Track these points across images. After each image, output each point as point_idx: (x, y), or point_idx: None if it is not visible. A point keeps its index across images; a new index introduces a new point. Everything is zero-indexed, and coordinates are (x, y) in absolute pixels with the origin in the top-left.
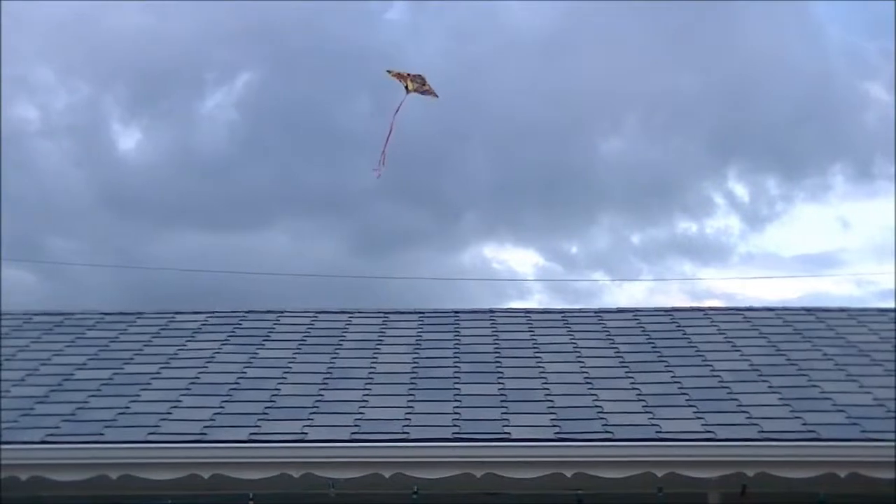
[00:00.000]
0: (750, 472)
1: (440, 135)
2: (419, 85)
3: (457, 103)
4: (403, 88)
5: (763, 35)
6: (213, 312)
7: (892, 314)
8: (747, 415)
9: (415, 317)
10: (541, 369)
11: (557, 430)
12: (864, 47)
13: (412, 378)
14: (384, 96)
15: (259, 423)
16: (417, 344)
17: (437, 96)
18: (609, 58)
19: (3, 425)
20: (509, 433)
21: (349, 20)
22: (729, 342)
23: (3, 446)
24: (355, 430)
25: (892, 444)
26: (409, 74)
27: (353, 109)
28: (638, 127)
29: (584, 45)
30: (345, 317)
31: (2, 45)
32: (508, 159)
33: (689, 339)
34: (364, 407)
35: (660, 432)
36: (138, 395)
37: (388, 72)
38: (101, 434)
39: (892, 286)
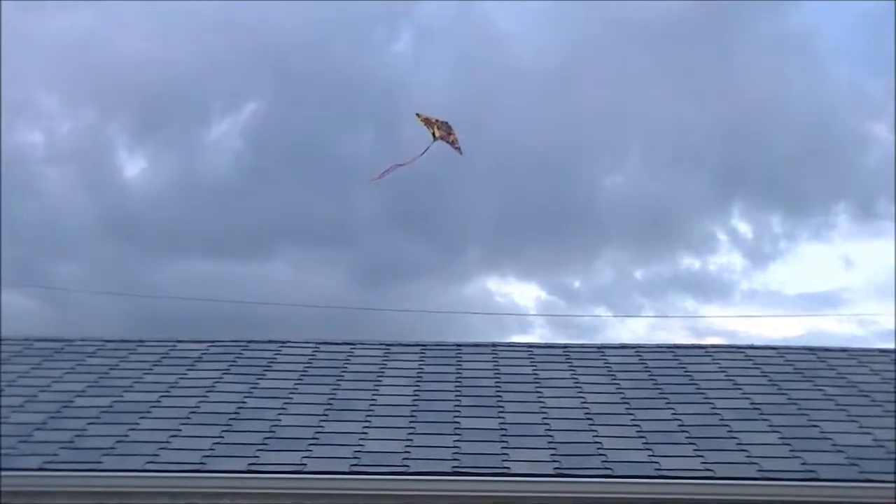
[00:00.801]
0: None
1: (443, 166)
2: (445, 133)
3: (461, 135)
4: (430, 134)
5: (767, 72)
6: (215, 341)
7: (893, 355)
8: (747, 453)
9: (417, 349)
10: (542, 404)
11: (557, 465)
12: (867, 85)
13: (413, 411)
14: (388, 127)
15: (258, 453)
16: (419, 377)
17: (461, 152)
18: (613, 92)
19: (2, 451)
20: (509, 468)
21: (355, 51)
22: (730, 380)
23: (1, 473)
24: (355, 462)
25: (892, 485)
26: (437, 121)
27: (357, 139)
28: (641, 162)
29: (588, 78)
30: (347, 348)
31: (2, 62)
32: (512, 192)
33: (690, 376)
34: (364, 439)
35: (659, 469)
36: (137, 424)
37: (417, 115)
38: (100, 462)
39: (894, 327)
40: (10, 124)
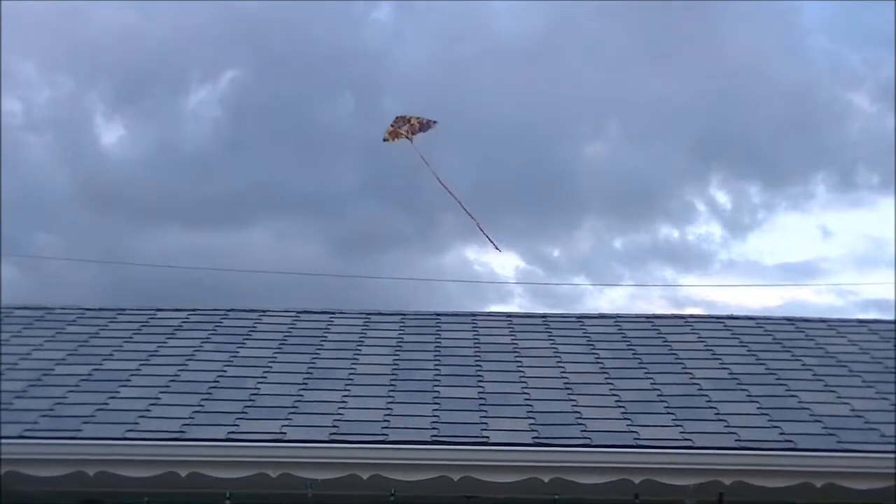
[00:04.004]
0: (727, 481)
1: (422, 136)
2: (409, 126)
3: (440, 105)
4: (408, 141)
5: (747, 42)
6: (195, 310)
7: (872, 325)
8: (725, 423)
9: (396, 318)
10: (521, 374)
11: (536, 434)
12: (848, 56)
13: (392, 380)
14: (367, 97)
15: (238, 422)
16: (398, 346)
17: (435, 122)
18: (593, 63)
19: None
20: (488, 437)
21: (334, 21)
22: (709, 350)
23: None
24: (334, 430)
25: (868, 454)
26: (394, 127)
27: (336, 110)
28: (621, 132)
29: (567, 50)
30: (326, 317)
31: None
32: (491, 162)
33: (669, 346)
34: (343, 408)
35: (638, 439)
36: (117, 392)
37: (385, 140)
38: (80, 430)
39: (873, 297)
40: None
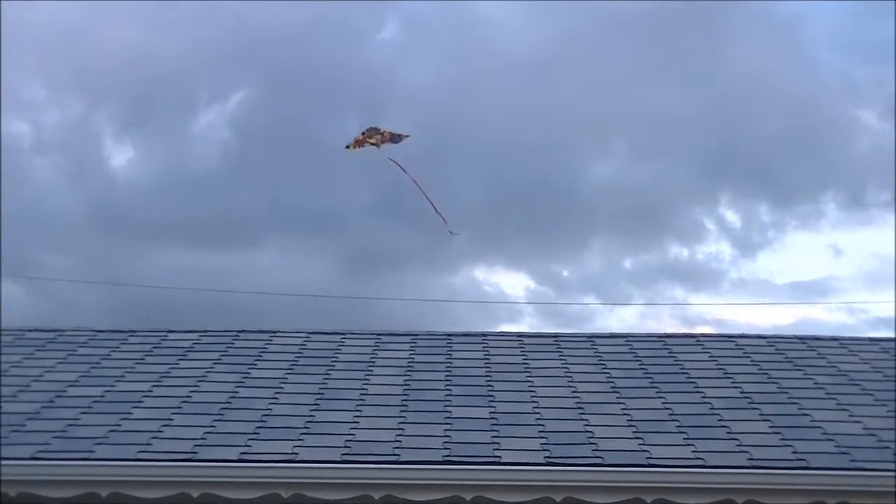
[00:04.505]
0: (739, 500)
1: (429, 155)
2: (380, 136)
3: (446, 123)
4: (374, 148)
5: (755, 59)
6: (206, 331)
7: (883, 343)
8: (737, 442)
9: (407, 339)
10: (532, 393)
11: (548, 454)
12: (855, 72)
13: (403, 400)
14: (374, 115)
15: (250, 442)
16: (409, 366)
17: (408, 135)
18: (599, 80)
19: None
20: (499, 457)
21: (341, 40)
22: (720, 369)
23: None
24: (346, 451)
25: (883, 473)
26: (363, 136)
27: (344, 129)
28: (628, 150)
29: (573, 67)
30: (337, 338)
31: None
32: (498, 181)
33: (680, 365)
34: (355, 428)
35: (650, 458)
36: (130, 413)
37: (347, 147)
38: (92, 451)
39: (884, 315)
40: None
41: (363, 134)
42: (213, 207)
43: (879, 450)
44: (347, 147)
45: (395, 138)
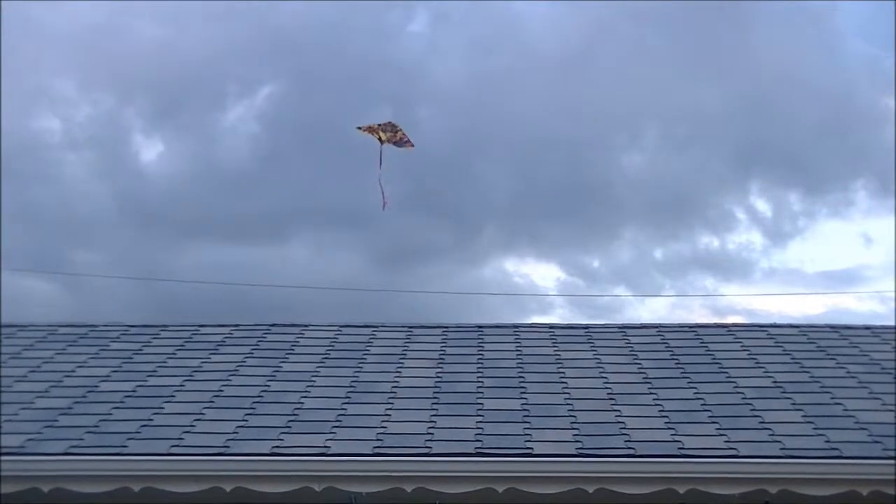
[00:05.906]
0: (772, 490)
1: (460, 147)
2: (391, 135)
3: (477, 115)
4: (377, 140)
5: (785, 49)
6: (237, 326)
7: None
8: (770, 432)
9: (439, 331)
10: (564, 384)
11: (580, 445)
12: (884, 61)
13: (435, 392)
14: (404, 109)
15: (282, 436)
16: (441, 358)
17: (412, 146)
18: (630, 71)
19: (27, 437)
20: (532, 448)
21: (371, 33)
22: (752, 359)
23: (27, 457)
24: (378, 444)
25: None
26: (378, 126)
27: (373, 122)
28: (659, 141)
29: (604, 58)
30: (369, 331)
31: (17, 49)
32: (529, 172)
33: (712, 355)
34: (387, 421)
35: (682, 449)
36: (162, 408)
37: (359, 128)
38: (125, 446)
39: None
40: (28, 111)
41: (379, 124)
42: (243, 202)
43: None
44: (359, 128)
45: (400, 143)
